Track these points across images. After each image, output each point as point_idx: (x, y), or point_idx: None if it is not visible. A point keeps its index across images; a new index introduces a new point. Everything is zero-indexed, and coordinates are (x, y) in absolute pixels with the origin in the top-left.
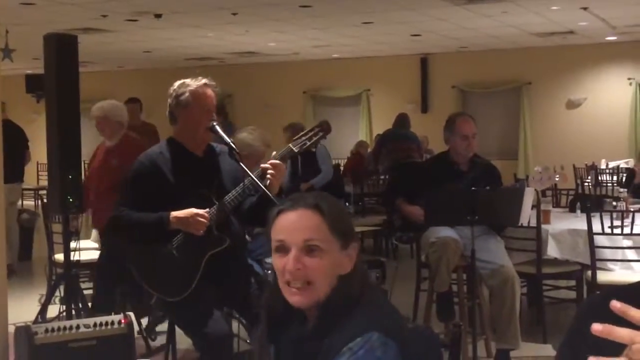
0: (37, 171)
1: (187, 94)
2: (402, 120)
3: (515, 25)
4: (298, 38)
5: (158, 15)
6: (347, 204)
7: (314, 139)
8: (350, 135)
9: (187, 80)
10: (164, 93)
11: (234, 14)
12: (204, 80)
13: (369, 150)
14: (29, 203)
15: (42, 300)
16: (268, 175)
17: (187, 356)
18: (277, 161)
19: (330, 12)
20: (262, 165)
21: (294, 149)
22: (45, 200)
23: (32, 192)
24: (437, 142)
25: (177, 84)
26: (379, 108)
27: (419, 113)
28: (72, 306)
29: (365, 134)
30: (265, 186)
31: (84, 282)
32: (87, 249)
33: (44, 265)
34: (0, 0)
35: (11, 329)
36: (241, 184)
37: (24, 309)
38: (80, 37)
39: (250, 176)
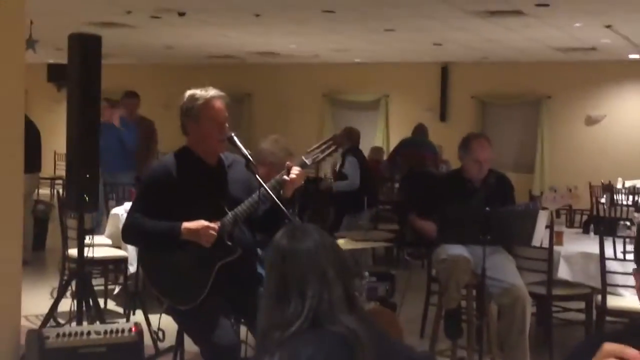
0: (55, 161)
1: (195, 108)
2: (419, 131)
3: (537, 39)
4: (319, 41)
5: (182, 14)
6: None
7: (327, 152)
8: (368, 140)
9: (196, 93)
10: (184, 88)
11: (257, 15)
12: (212, 92)
13: (384, 157)
14: (44, 192)
15: (54, 294)
16: (292, 175)
17: (195, 359)
18: (300, 169)
19: (353, 18)
20: (293, 169)
21: (306, 161)
22: (61, 193)
23: (49, 181)
24: (455, 152)
25: (186, 95)
26: (397, 114)
27: (437, 121)
28: (83, 304)
29: (383, 140)
30: (279, 196)
31: (95, 278)
32: (101, 245)
33: (57, 257)
34: None
35: (23, 321)
36: (254, 194)
37: (36, 300)
38: (103, 32)
39: (264, 188)
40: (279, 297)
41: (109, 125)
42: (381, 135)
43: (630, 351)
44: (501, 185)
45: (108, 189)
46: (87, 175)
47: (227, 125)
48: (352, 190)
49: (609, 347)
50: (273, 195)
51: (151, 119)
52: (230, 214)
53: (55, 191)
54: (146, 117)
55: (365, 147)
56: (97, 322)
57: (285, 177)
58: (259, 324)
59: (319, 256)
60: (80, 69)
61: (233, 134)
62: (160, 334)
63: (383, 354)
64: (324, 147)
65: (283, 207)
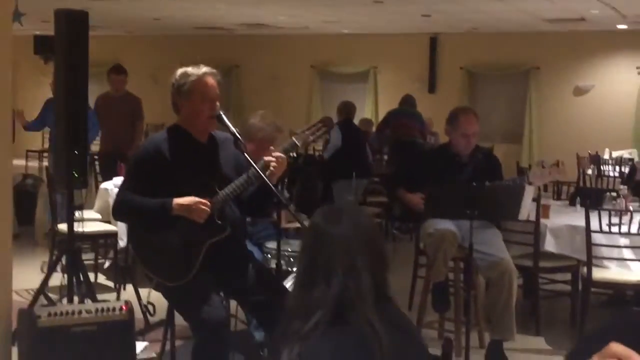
0: (43, 134)
1: (187, 84)
2: (406, 102)
3: (526, 10)
4: (308, 13)
5: None
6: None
7: (317, 133)
8: (357, 112)
9: (188, 70)
10: (171, 60)
11: None
12: (205, 69)
13: (373, 129)
14: (32, 165)
15: (44, 268)
16: (271, 168)
17: (186, 333)
18: (281, 154)
19: None
20: (265, 158)
21: (297, 143)
22: (49, 168)
23: (37, 154)
24: (443, 123)
25: (178, 73)
26: (386, 86)
27: (425, 93)
28: (74, 279)
29: (372, 112)
30: (267, 177)
31: (85, 252)
32: (90, 220)
33: (45, 232)
34: None
35: (13, 296)
36: (244, 174)
37: (26, 275)
38: (90, 3)
39: (254, 167)
40: (306, 279)
41: None
42: (370, 107)
43: (636, 358)
44: (489, 162)
45: None
46: (76, 152)
47: (218, 103)
48: (339, 152)
49: (616, 348)
50: (263, 175)
51: (138, 96)
52: (220, 193)
53: (43, 165)
54: (132, 94)
55: (354, 118)
56: (88, 299)
57: (271, 168)
58: (287, 302)
59: (351, 243)
60: (67, 45)
61: (221, 112)
62: (150, 308)
63: (402, 353)
64: (314, 129)
65: (273, 187)
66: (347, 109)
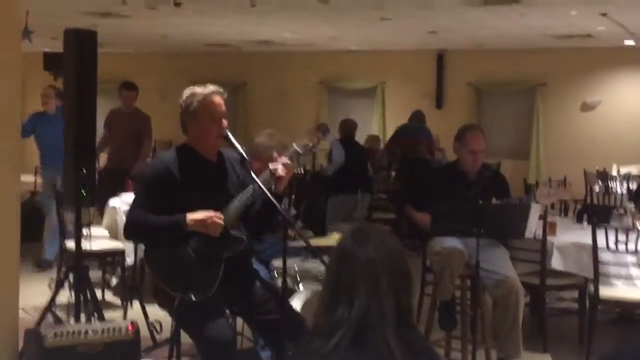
0: None
1: (195, 104)
2: (414, 118)
3: (533, 27)
4: (315, 30)
5: (177, 4)
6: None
7: (314, 140)
8: (364, 127)
9: (196, 89)
10: (178, 77)
11: (253, 6)
12: (211, 88)
13: (381, 145)
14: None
15: (52, 285)
16: (279, 172)
17: (192, 351)
18: (287, 160)
19: (348, 7)
20: (271, 165)
21: (298, 149)
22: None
23: None
24: (450, 138)
25: (185, 93)
26: (393, 102)
27: (433, 109)
28: (81, 297)
29: (379, 127)
30: (272, 191)
31: (93, 269)
32: (98, 237)
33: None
34: None
35: (21, 313)
36: (249, 188)
37: (33, 291)
38: (98, 21)
39: (259, 186)
40: (329, 298)
41: (59, 117)
42: (378, 123)
43: None
44: (497, 182)
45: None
46: (84, 170)
47: (225, 121)
48: (340, 168)
49: None
50: (268, 193)
51: (147, 114)
52: (230, 207)
53: None
54: (142, 111)
55: (361, 134)
56: (95, 318)
57: (280, 173)
58: (311, 318)
59: (375, 265)
60: (76, 64)
61: (228, 132)
62: (157, 326)
63: None
64: (311, 135)
65: (277, 205)
66: (346, 127)
